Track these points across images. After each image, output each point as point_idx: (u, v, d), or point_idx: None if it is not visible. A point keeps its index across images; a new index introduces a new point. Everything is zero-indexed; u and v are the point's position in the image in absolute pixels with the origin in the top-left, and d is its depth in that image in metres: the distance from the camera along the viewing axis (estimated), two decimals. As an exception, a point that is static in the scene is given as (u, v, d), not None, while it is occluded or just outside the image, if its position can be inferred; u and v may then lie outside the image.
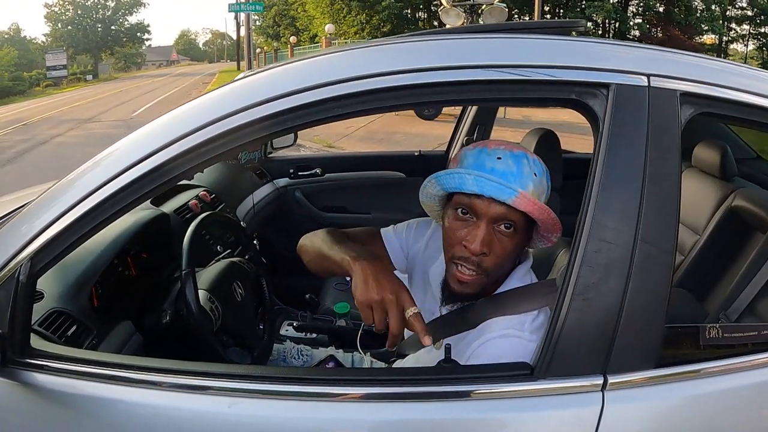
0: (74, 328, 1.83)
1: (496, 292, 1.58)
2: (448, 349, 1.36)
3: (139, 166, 1.40)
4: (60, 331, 1.78)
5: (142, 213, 2.49)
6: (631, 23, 35.33)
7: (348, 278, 3.36)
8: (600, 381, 1.33)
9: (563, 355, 1.32)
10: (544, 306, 1.53)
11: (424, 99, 1.37)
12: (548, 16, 36.30)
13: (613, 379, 1.33)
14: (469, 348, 1.51)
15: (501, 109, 13.84)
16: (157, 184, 1.42)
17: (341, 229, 1.82)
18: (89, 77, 69.46)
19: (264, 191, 3.89)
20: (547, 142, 2.95)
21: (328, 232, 1.76)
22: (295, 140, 4.35)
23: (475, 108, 3.70)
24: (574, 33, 1.53)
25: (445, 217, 1.54)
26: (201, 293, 2.03)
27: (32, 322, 1.62)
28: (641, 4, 35.21)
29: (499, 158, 1.46)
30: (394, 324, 1.38)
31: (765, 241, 2.42)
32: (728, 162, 2.90)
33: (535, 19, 21.06)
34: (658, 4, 35.15)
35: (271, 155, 4.24)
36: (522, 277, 1.59)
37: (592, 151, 1.34)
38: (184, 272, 1.98)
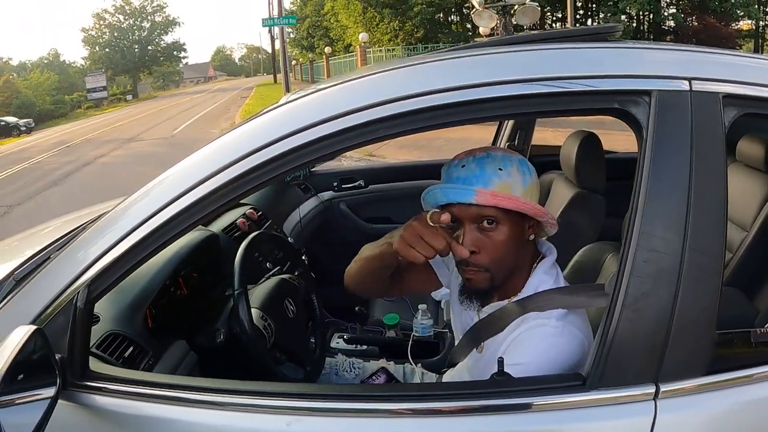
0: (131, 349, 1.88)
1: (522, 295, 1.64)
2: (501, 362, 1.38)
3: (189, 194, 1.44)
4: (117, 353, 1.82)
5: (192, 234, 2.54)
6: (666, 14, 34.81)
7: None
8: (652, 390, 1.32)
9: (615, 365, 1.32)
10: (579, 307, 1.58)
11: (466, 116, 1.38)
12: (581, 12, 35.98)
13: (665, 388, 1.32)
14: (503, 344, 1.57)
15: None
16: (206, 212, 1.45)
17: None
18: (129, 97, 71.18)
19: (309, 205, 3.96)
20: (589, 145, 2.95)
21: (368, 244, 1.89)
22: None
23: None
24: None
25: None
26: (254, 312, 2.07)
27: (90, 345, 1.66)
28: (675, -8, 34.72)
29: (462, 166, 1.57)
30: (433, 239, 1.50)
31: None
32: None
33: (568, 16, 20.93)
34: (691, -7, 34.67)
35: (314, 169, 4.28)
36: (548, 269, 1.66)
37: (636, 152, 1.34)
38: (236, 292, 2.02)
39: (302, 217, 3.71)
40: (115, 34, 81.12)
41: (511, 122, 3.75)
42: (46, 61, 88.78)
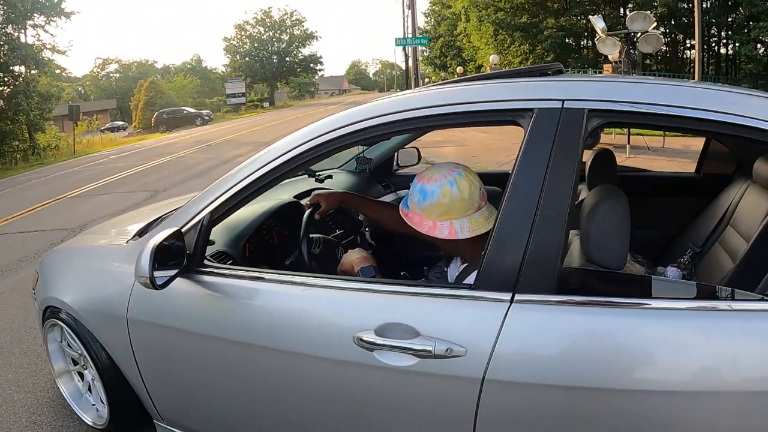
0: (230, 262, 2.73)
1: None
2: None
3: (277, 159, 2.30)
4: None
5: (281, 199, 3.47)
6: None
7: (445, 268, 4.02)
8: (509, 296, 1.86)
9: (488, 277, 1.91)
10: None
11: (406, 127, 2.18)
12: (714, 38, 35.13)
13: (519, 297, 1.85)
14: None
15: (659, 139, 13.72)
16: (289, 168, 2.30)
17: None
18: (266, 104, 72.07)
19: (387, 199, 4.63)
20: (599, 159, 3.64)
21: None
22: (419, 161, 5.11)
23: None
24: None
25: None
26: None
27: (205, 255, 2.50)
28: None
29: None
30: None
31: None
32: None
33: (696, 44, 20.85)
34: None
35: (397, 171, 5.04)
36: None
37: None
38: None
39: None
40: (255, 45, 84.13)
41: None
42: (189, 66, 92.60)
